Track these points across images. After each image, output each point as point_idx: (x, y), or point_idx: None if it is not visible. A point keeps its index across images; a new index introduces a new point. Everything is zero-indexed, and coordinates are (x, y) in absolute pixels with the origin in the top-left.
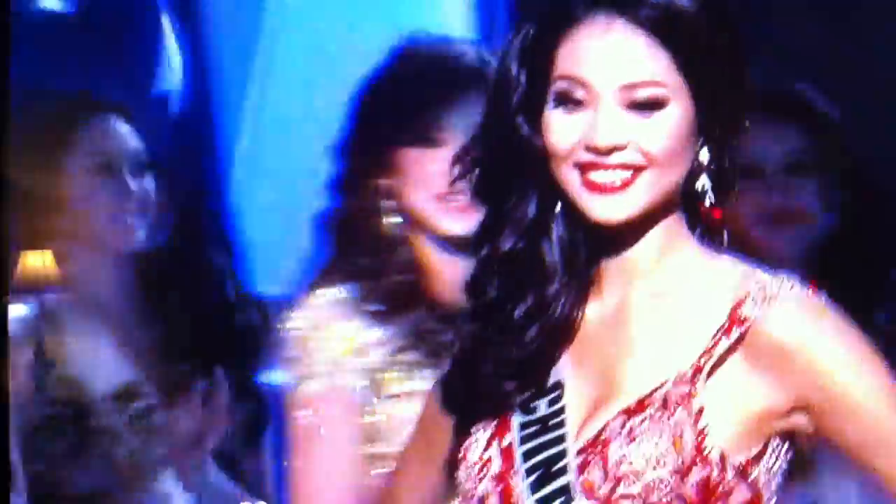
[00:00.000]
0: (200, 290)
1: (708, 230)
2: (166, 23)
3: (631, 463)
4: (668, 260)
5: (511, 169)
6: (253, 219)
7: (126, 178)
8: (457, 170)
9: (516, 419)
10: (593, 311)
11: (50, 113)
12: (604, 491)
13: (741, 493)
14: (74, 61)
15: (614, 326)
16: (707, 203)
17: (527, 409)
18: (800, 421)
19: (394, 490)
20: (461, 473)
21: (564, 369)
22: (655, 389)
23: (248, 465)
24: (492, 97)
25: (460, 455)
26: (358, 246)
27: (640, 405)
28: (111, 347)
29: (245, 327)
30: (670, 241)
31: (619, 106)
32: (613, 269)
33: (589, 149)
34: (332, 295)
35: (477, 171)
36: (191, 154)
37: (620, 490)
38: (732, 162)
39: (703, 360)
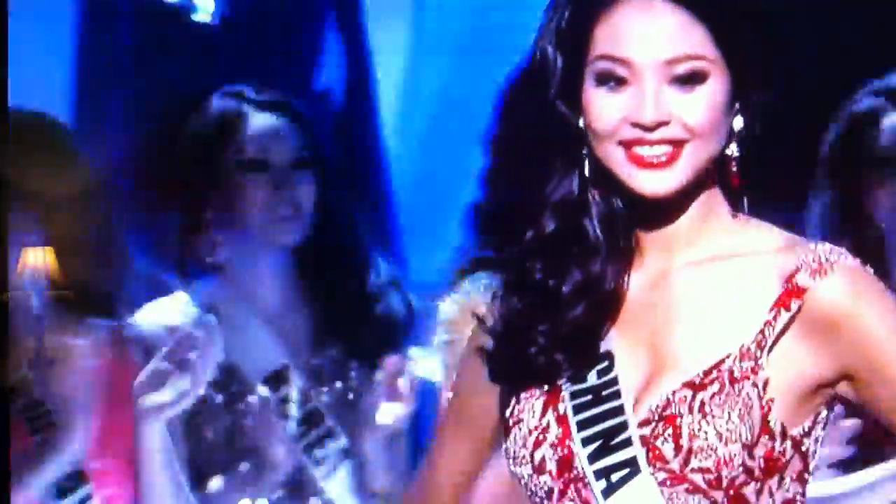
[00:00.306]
0: (351, 279)
1: (730, 195)
2: (327, 19)
3: (706, 437)
4: (707, 227)
5: (550, 150)
6: (408, 208)
7: (281, 173)
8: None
9: (567, 388)
10: (636, 280)
11: (211, 110)
12: (676, 464)
13: (796, 464)
14: (238, 59)
15: (659, 295)
16: (734, 168)
17: (576, 378)
18: (844, 389)
19: (435, 463)
20: (515, 439)
21: (612, 339)
22: (720, 363)
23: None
24: (528, 80)
25: (512, 422)
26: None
27: (706, 378)
28: (265, 334)
29: (393, 314)
30: (709, 209)
31: (663, 82)
32: (654, 238)
33: (635, 125)
34: (483, 281)
35: (512, 155)
36: (349, 147)
37: (693, 463)
38: (762, 128)
39: (765, 333)
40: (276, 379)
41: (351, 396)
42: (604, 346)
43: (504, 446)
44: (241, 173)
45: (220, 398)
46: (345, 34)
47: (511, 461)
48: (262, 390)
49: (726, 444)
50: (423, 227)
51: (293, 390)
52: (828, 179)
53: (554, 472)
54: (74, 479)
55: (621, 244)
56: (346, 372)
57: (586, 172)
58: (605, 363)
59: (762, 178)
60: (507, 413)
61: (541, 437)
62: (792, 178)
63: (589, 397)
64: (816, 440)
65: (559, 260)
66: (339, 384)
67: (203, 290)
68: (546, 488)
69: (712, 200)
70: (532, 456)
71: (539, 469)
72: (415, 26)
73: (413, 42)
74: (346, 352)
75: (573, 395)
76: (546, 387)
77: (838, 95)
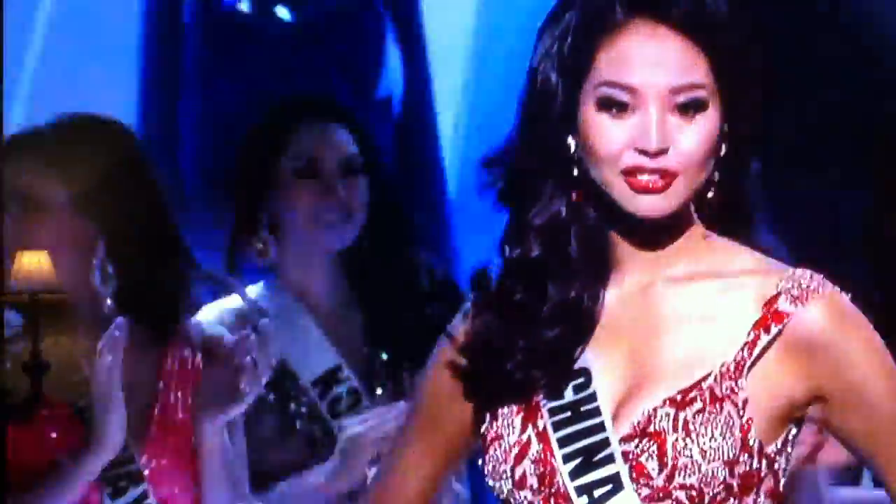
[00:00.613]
0: (403, 282)
1: (707, 218)
2: (387, 27)
3: (690, 455)
4: (685, 247)
5: (545, 172)
6: (466, 212)
7: (332, 180)
8: (487, 176)
9: (544, 405)
10: (613, 297)
11: (269, 116)
12: (660, 480)
13: (769, 482)
14: (302, 69)
15: (637, 312)
16: (712, 192)
17: (553, 395)
18: (814, 411)
19: (394, 478)
20: (495, 455)
21: (588, 356)
22: (701, 381)
23: None
24: (528, 105)
25: (490, 438)
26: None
27: (688, 396)
28: (318, 335)
29: (446, 317)
30: (686, 229)
31: (666, 109)
32: (633, 256)
33: (639, 151)
34: None
35: (508, 176)
36: (407, 153)
37: (678, 480)
38: (745, 154)
39: (745, 354)
40: (328, 380)
41: (403, 400)
42: (580, 364)
43: (480, 461)
44: (293, 179)
45: (272, 397)
46: (404, 43)
47: (489, 476)
48: (313, 391)
49: (709, 461)
50: (479, 232)
51: (345, 391)
52: (869, 178)
53: (535, 487)
54: (129, 479)
55: (601, 265)
56: (398, 374)
57: (575, 192)
58: (582, 379)
59: (795, 178)
60: (483, 429)
61: (522, 453)
62: (826, 176)
63: (568, 413)
64: (787, 458)
65: (539, 281)
66: (391, 386)
67: (257, 292)
68: (526, 502)
69: (689, 221)
70: (513, 471)
71: (520, 484)
72: (474, 31)
73: (472, 47)
74: (398, 354)
75: (552, 412)
76: (522, 403)
77: (876, 96)
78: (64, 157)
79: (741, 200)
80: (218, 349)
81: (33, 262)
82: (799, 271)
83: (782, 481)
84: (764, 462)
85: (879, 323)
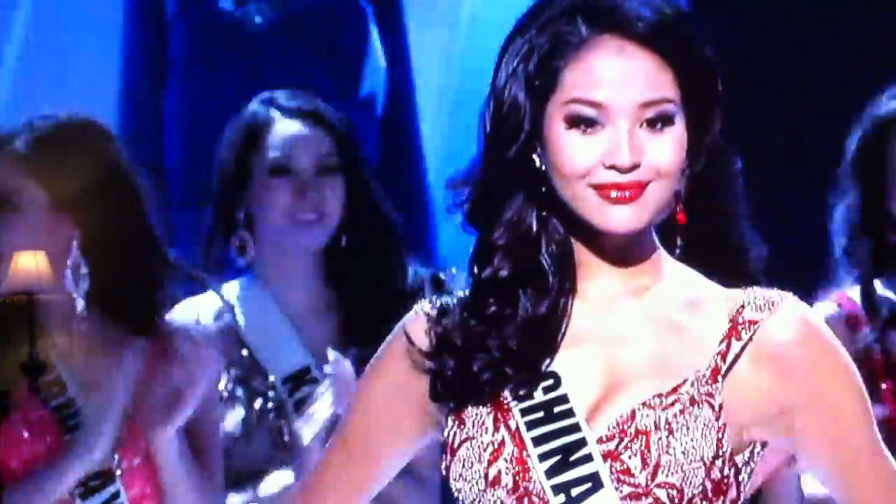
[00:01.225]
0: (381, 282)
1: (669, 231)
2: (370, 24)
3: (673, 453)
4: (649, 261)
5: (511, 191)
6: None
7: (306, 179)
8: (453, 196)
9: (515, 406)
10: (582, 306)
11: (245, 115)
12: (642, 478)
13: (732, 492)
14: (283, 67)
15: (606, 322)
16: (679, 206)
17: (523, 396)
18: (778, 426)
19: (322, 487)
20: (464, 457)
21: (558, 361)
22: (678, 387)
23: None
24: (494, 125)
25: (457, 442)
26: None
27: (666, 400)
28: (290, 334)
29: None
30: (646, 245)
31: (636, 124)
32: (600, 266)
33: (610, 168)
34: None
35: (474, 197)
36: (389, 152)
37: (660, 478)
38: (708, 168)
39: (718, 362)
40: (298, 379)
41: None
42: (550, 368)
43: (443, 465)
44: (267, 178)
45: (240, 393)
46: (387, 42)
47: (456, 480)
48: (282, 389)
49: (690, 461)
50: (461, 231)
51: (314, 391)
52: (852, 182)
53: (510, 486)
54: (100, 479)
55: (570, 276)
56: None
57: (543, 208)
58: (552, 381)
59: (783, 181)
60: (446, 434)
61: (496, 452)
62: (811, 180)
63: (540, 414)
64: (750, 474)
65: (512, 295)
66: None
67: (234, 289)
68: (497, 503)
69: (650, 237)
70: (486, 471)
71: (493, 484)
72: (457, 32)
73: (455, 48)
74: (372, 356)
75: (523, 412)
76: (490, 405)
77: (858, 99)
78: (41, 156)
79: (719, 208)
80: (175, 350)
81: (30, 263)
82: (760, 288)
83: (742, 495)
84: (732, 471)
85: None
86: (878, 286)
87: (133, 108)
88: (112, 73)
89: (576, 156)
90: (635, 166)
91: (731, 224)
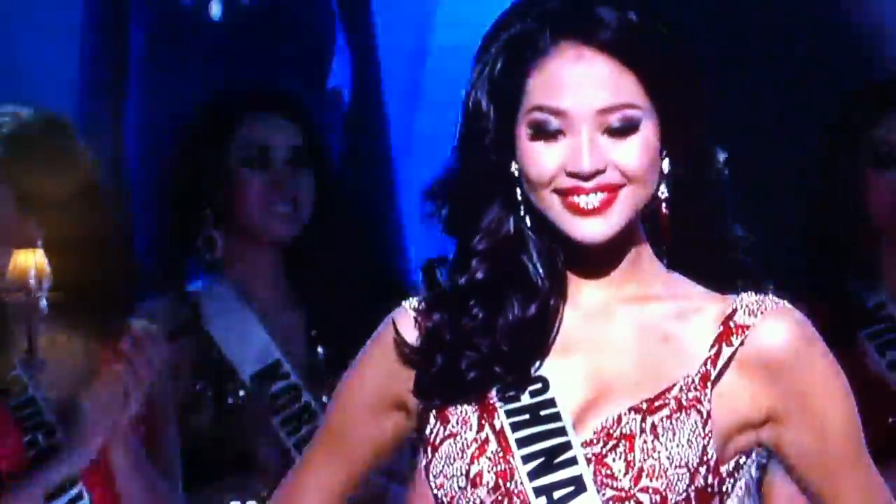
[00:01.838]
0: (347, 278)
1: (656, 236)
2: (337, 19)
3: (657, 457)
4: (638, 268)
5: (488, 197)
6: (414, 209)
7: (282, 170)
8: (429, 205)
9: (501, 407)
10: (572, 312)
11: (211, 109)
12: (626, 482)
13: (715, 503)
14: (248, 60)
15: (597, 327)
16: (664, 209)
17: (510, 398)
18: (765, 434)
19: (304, 484)
20: (446, 454)
21: (547, 366)
22: (666, 391)
23: None
24: (463, 130)
25: (438, 439)
26: None
27: (653, 405)
28: (258, 331)
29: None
30: (638, 250)
31: (597, 130)
32: (589, 273)
33: (571, 175)
34: None
35: (450, 204)
36: (356, 146)
37: (644, 482)
38: (693, 170)
39: (707, 367)
40: (268, 375)
41: None
42: (538, 373)
43: (423, 463)
44: (241, 170)
45: (209, 392)
46: (353, 34)
47: (436, 477)
48: (253, 385)
49: (675, 466)
50: (428, 226)
51: (287, 384)
52: (824, 177)
53: (491, 486)
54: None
55: (559, 280)
56: (339, 371)
57: (522, 213)
58: (539, 385)
59: (753, 176)
60: (428, 431)
61: (479, 450)
62: (784, 175)
63: (526, 416)
64: (733, 486)
65: (497, 299)
66: (332, 383)
67: (200, 288)
68: (477, 502)
69: (638, 241)
70: (468, 469)
71: (474, 482)
72: (424, 26)
73: (422, 42)
74: (339, 351)
75: (509, 413)
76: (475, 403)
77: (832, 93)
78: (5, 154)
79: (705, 208)
80: (125, 348)
81: (28, 261)
82: (752, 294)
83: None
84: (716, 480)
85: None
86: (851, 282)
87: (94, 106)
88: (72, 70)
89: (540, 163)
90: (598, 172)
91: (722, 221)
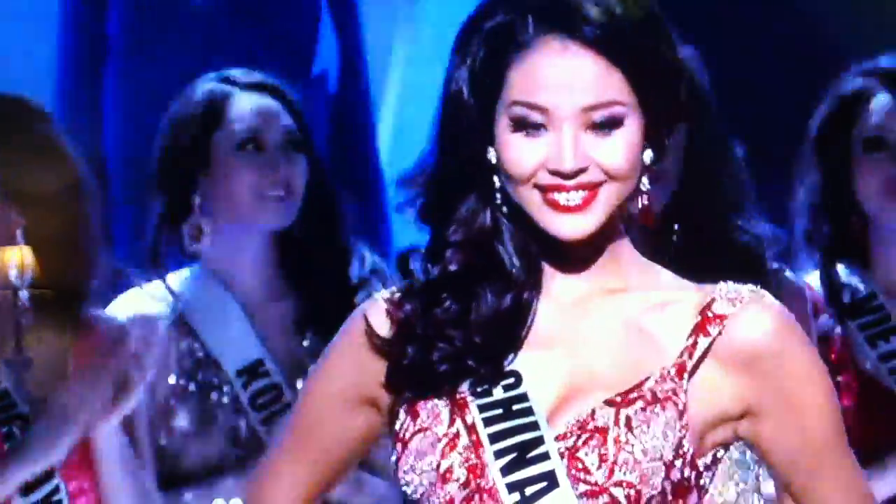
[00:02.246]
0: (333, 269)
1: (636, 226)
2: (322, 4)
3: (631, 450)
4: (617, 260)
5: (465, 186)
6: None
7: (276, 153)
8: (405, 193)
9: (472, 401)
10: (547, 305)
11: (198, 94)
12: (599, 476)
13: (693, 497)
14: (233, 45)
15: (572, 322)
16: (644, 201)
17: (482, 393)
18: (743, 427)
19: (270, 484)
20: (415, 449)
21: (520, 360)
22: (641, 383)
23: None
24: (443, 120)
25: (408, 434)
26: None
27: (628, 397)
28: (243, 325)
29: None
30: (617, 243)
31: (580, 128)
32: (565, 266)
33: (553, 172)
34: None
35: (427, 193)
36: (341, 134)
37: (617, 476)
38: (674, 161)
39: (685, 358)
40: (251, 371)
41: None
42: (511, 367)
43: (393, 458)
44: (232, 155)
45: (192, 387)
46: (339, 19)
47: (406, 473)
48: (236, 381)
49: (650, 459)
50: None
51: (268, 383)
52: (814, 162)
53: (462, 481)
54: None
55: (535, 272)
56: None
57: (498, 202)
58: (512, 380)
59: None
60: (398, 426)
61: (450, 444)
62: (776, 162)
63: (499, 411)
64: (711, 479)
65: (470, 290)
66: None
67: (183, 279)
68: (447, 498)
69: (616, 235)
70: (439, 464)
71: (444, 477)
72: (411, 15)
73: (409, 31)
74: (327, 343)
75: (481, 408)
76: (446, 397)
77: (822, 77)
78: None
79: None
80: (117, 340)
81: (16, 258)
82: (732, 283)
83: (704, 501)
84: (693, 474)
85: None
86: (840, 271)
87: (72, 91)
88: (49, 53)
89: (520, 158)
90: (581, 171)
91: (736, 212)
